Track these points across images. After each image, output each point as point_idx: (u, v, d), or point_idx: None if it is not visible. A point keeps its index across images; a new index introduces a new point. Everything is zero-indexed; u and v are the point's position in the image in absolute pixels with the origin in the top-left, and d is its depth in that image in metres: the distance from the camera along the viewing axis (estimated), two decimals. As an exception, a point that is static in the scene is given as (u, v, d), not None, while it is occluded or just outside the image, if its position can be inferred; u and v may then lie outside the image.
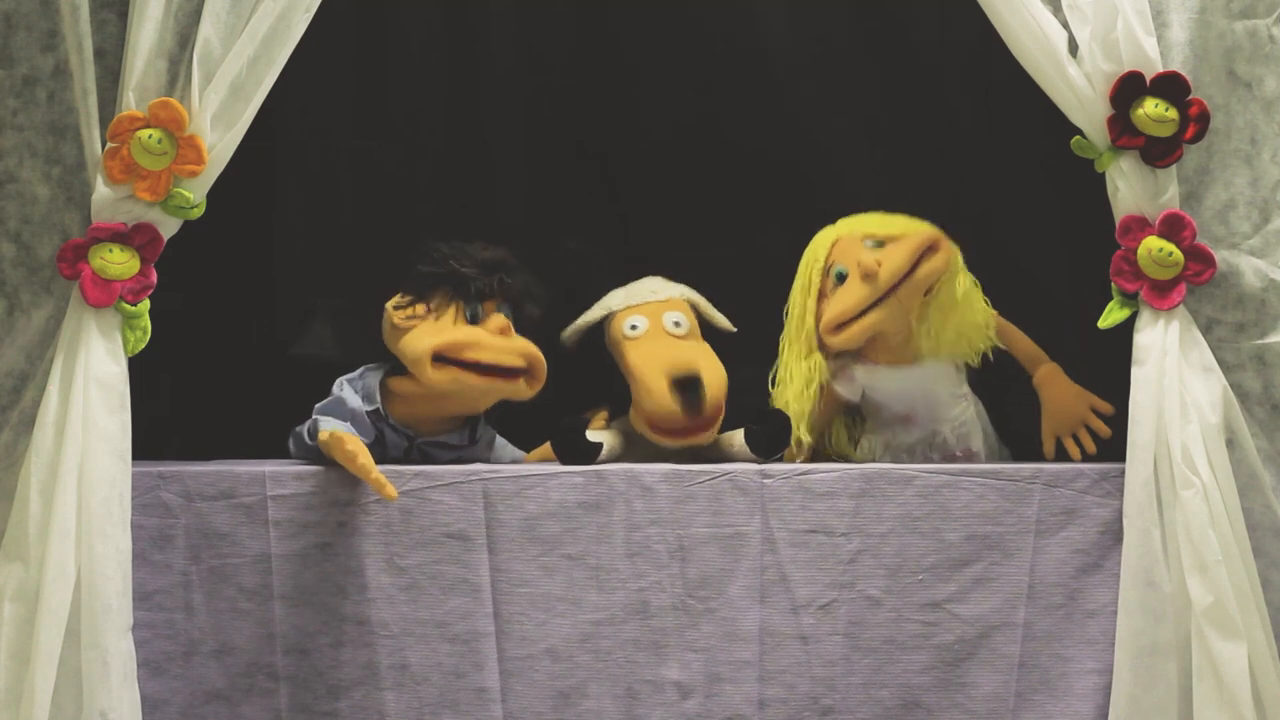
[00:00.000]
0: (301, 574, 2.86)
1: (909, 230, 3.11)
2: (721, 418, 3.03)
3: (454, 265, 3.02)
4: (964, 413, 3.21)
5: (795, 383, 3.13)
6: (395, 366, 3.05)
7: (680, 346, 3.08)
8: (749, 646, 2.87)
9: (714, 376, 3.01)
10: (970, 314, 3.15)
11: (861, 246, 3.11)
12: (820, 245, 3.17)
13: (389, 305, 3.03)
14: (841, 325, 3.09)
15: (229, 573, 2.86)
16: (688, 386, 2.98)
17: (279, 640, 2.85)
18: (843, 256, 3.13)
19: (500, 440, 3.22)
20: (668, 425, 3.01)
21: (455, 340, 2.96)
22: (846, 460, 3.20)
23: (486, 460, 3.15)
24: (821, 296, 3.14)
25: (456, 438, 3.10)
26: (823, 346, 3.14)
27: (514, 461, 3.23)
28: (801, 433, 3.10)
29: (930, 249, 3.08)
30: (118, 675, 2.70)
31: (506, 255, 3.08)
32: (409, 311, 3.01)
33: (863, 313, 3.08)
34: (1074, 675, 2.87)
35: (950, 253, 3.10)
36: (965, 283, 3.13)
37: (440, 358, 2.94)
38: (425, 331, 2.98)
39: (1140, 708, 2.78)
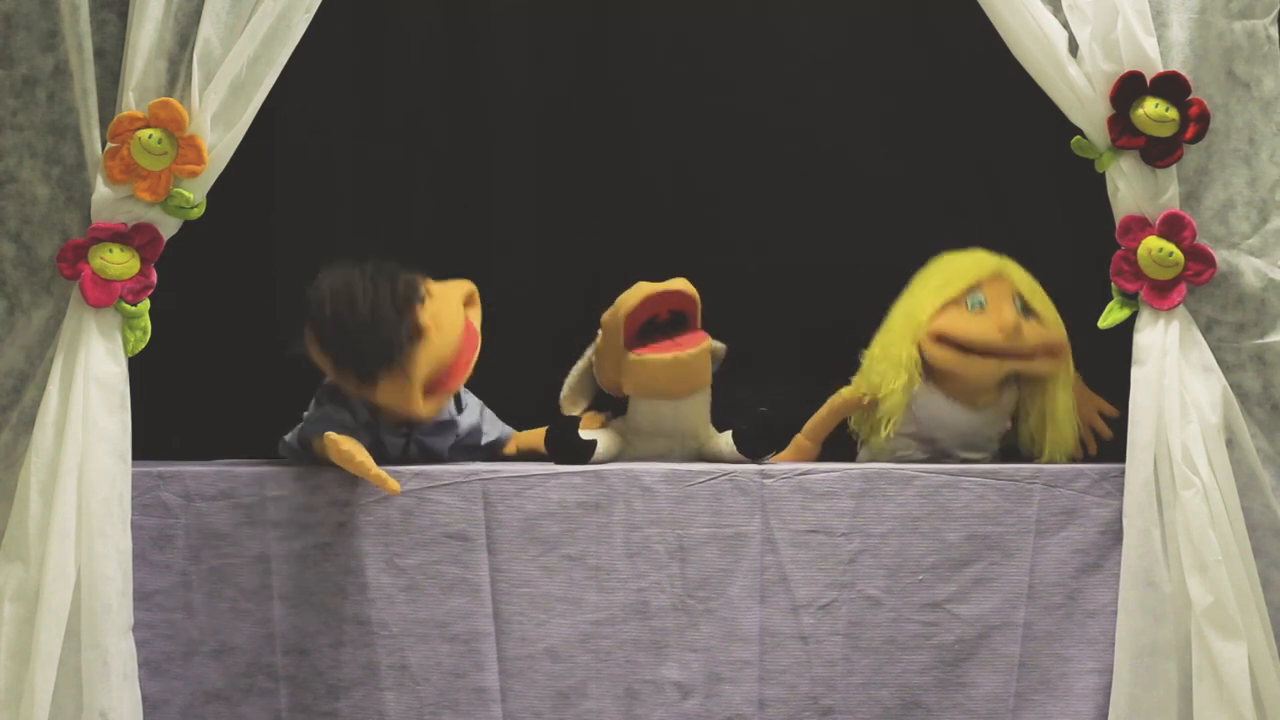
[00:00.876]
0: (301, 574, 2.86)
1: (1054, 320, 3.12)
2: (706, 342, 3.03)
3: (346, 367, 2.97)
4: (981, 461, 3.21)
5: (891, 355, 3.12)
6: None
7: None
8: (749, 646, 2.87)
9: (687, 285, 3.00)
10: (1065, 428, 3.14)
11: (1012, 299, 3.10)
12: (981, 265, 3.14)
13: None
14: (953, 345, 3.09)
15: (229, 573, 2.86)
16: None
17: (279, 640, 2.85)
18: (993, 293, 3.11)
19: (489, 413, 3.22)
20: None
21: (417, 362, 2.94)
22: (864, 444, 3.20)
23: (480, 427, 3.16)
24: (950, 305, 3.12)
25: (446, 413, 3.09)
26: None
27: (502, 438, 3.24)
28: (891, 389, 3.10)
29: (1057, 352, 3.11)
30: (118, 675, 2.70)
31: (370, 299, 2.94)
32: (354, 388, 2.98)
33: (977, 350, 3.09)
34: (1074, 675, 2.87)
35: (1065, 366, 3.12)
36: (1068, 397, 3.14)
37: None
38: (392, 385, 2.94)
39: (1140, 708, 2.79)
